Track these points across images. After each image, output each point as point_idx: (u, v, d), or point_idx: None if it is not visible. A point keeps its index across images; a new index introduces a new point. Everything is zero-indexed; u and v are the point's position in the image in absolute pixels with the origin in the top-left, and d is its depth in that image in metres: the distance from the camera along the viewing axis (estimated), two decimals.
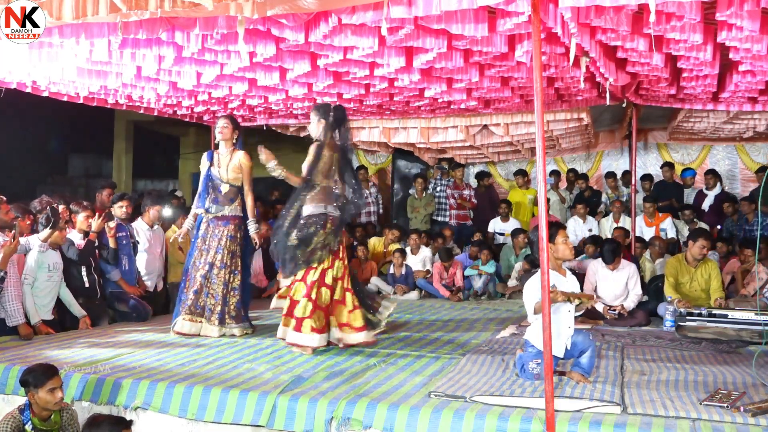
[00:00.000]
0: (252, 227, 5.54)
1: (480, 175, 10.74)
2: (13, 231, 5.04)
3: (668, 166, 9.86)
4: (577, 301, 3.99)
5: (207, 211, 5.58)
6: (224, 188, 5.56)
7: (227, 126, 5.57)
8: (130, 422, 3.23)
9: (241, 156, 5.56)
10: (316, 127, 5.06)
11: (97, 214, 5.98)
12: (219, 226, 5.54)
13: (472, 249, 8.62)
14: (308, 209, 4.93)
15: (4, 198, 5.32)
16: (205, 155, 5.69)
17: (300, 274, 4.91)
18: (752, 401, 3.52)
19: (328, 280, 4.89)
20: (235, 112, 7.95)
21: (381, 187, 11.29)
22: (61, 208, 6.13)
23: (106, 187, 7.21)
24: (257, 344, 5.10)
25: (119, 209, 6.37)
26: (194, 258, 5.57)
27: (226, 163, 5.55)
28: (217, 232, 5.53)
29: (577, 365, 4.06)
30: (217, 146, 5.71)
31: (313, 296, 4.80)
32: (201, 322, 5.42)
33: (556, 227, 4.09)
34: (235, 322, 5.48)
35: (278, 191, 10.22)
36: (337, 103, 5.95)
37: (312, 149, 4.97)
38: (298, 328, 4.78)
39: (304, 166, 4.99)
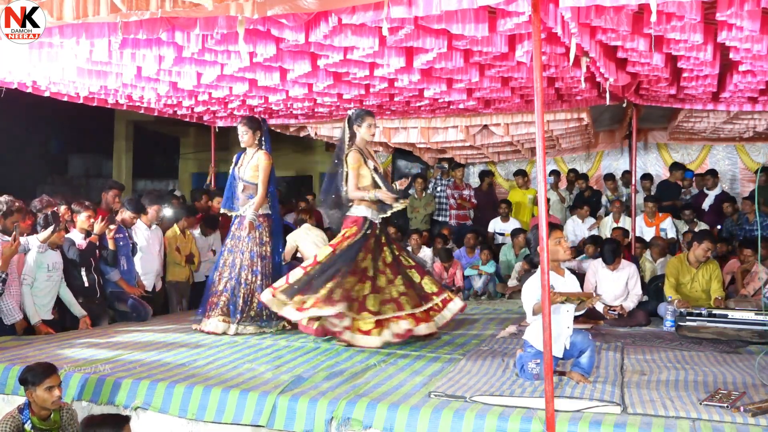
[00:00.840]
0: (249, 214, 5.63)
1: (483, 174, 10.75)
2: (14, 232, 5.04)
3: (676, 167, 9.87)
4: (577, 301, 3.98)
5: (232, 210, 5.81)
6: (240, 186, 5.75)
7: (246, 133, 5.72)
8: (128, 418, 3.22)
9: (260, 154, 5.70)
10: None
11: (100, 217, 5.99)
12: (243, 227, 5.70)
13: (468, 237, 8.60)
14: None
15: (26, 209, 5.40)
16: (235, 156, 5.91)
17: None
18: (752, 401, 3.52)
19: None
20: (235, 112, 7.96)
21: None
22: (62, 208, 6.14)
23: (113, 188, 7.20)
24: (257, 344, 5.10)
25: (129, 218, 6.40)
26: (223, 258, 5.76)
27: (247, 162, 5.73)
28: (241, 233, 5.69)
29: (576, 365, 4.05)
30: (244, 149, 5.87)
31: None
32: (230, 322, 5.53)
33: (549, 228, 4.06)
34: (251, 321, 5.58)
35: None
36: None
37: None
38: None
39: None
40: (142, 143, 15.38)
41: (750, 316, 5.38)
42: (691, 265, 6.31)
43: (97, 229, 5.88)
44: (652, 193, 9.66)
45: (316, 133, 9.67)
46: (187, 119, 8.54)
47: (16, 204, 5.27)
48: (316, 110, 7.82)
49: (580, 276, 6.33)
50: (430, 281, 5.37)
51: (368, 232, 5.26)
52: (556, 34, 4.30)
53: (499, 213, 9.62)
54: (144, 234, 6.64)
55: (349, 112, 5.44)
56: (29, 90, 6.44)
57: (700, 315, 5.53)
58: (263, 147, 5.77)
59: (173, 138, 15.53)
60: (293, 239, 7.69)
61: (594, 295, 4.12)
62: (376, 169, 5.31)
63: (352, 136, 5.33)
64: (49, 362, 3.65)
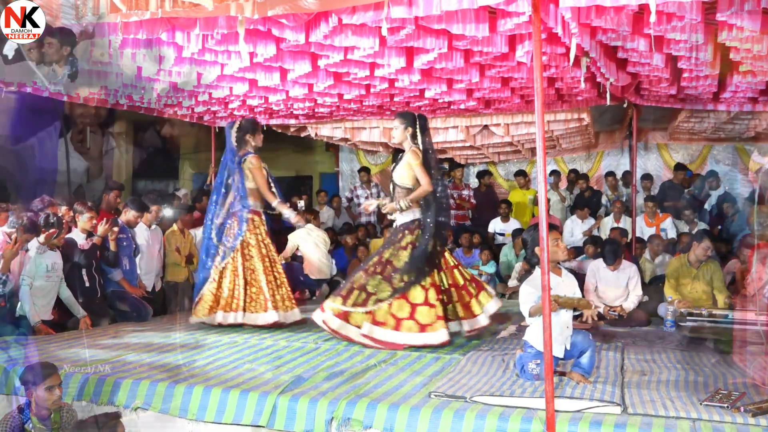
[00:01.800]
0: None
1: (481, 174, 10.75)
2: (14, 235, 5.05)
3: (679, 168, 9.87)
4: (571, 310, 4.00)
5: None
6: None
7: None
8: (119, 414, 3.23)
9: None
10: (401, 134, 5.26)
11: (104, 219, 5.99)
12: None
13: (464, 236, 8.59)
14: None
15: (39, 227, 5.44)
16: None
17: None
18: (752, 401, 3.52)
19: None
20: (235, 113, 7.95)
21: (383, 188, 11.28)
22: (63, 209, 6.15)
23: (114, 188, 7.21)
24: (257, 344, 5.10)
25: (133, 218, 6.42)
26: None
27: None
28: None
29: (577, 365, 4.06)
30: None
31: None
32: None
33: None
34: None
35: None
36: (420, 112, 5.94)
37: (414, 157, 5.19)
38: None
39: (423, 175, 5.24)
40: (142, 143, 15.36)
41: (750, 316, 5.38)
42: (691, 265, 6.31)
43: (100, 231, 5.89)
44: (653, 193, 9.65)
45: (316, 134, 9.66)
46: (188, 119, 8.54)
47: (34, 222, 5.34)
48: (316, 110, 7.82)
49: (581, 276, 6.33)
50: None
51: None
52: (557, 35, 4.30)
53: (499, 213, 9.61)
54: (144, 234, 6.64)
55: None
56: (29, 90, 6.43)
57: (700, 315, 5.53)
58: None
59: (173, 138, 15.51)
60: (294, 239, 7.70)
61: (592, 306, 4.14)
62: None
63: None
64: (50, 362, 3.65)
